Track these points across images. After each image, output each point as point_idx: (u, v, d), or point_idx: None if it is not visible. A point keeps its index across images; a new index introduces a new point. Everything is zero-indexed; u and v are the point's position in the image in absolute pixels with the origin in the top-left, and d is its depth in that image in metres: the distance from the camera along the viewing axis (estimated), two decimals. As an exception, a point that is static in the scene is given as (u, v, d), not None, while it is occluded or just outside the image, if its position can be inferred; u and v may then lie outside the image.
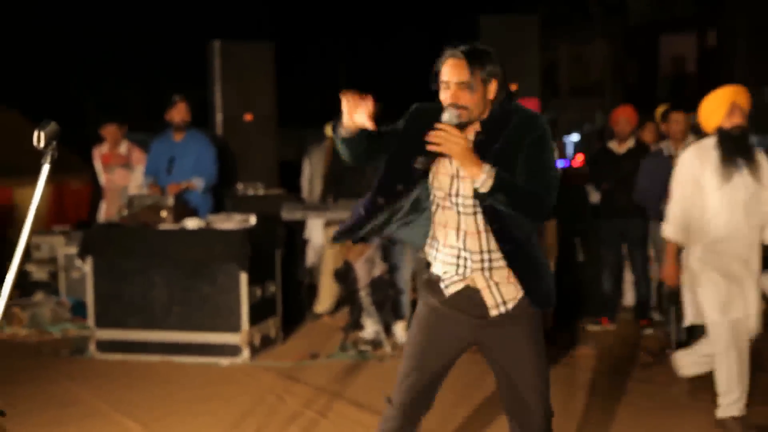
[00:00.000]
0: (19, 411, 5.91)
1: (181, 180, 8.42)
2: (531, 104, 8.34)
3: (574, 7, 37.61)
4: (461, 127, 3.36)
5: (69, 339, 8.18)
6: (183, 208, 7.98)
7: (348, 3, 31.62)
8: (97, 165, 9.21)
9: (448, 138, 3.26)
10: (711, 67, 30.45)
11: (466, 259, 3.42)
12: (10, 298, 2.70)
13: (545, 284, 3.51)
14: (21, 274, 9.63)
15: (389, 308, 7.68)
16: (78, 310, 8.77)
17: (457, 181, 3.42)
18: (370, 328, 7.73)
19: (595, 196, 8.88)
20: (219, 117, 9.68)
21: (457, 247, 3.43)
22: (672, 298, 7.13)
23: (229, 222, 7.66)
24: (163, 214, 7.75)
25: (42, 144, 2.74)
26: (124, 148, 9.00)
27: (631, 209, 8.27)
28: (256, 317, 7.41)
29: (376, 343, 7.61)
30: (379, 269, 7.53)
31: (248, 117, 9.81)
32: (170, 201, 7.86)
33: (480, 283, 3.44)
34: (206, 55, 9.87)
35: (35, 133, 2.72)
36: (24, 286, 9.43)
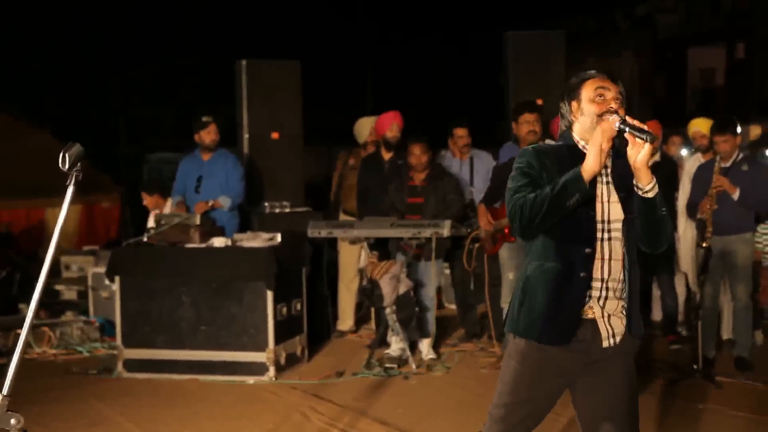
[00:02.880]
0: (47, 430, 5.94)
1: (208, 199, 8.45)
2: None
3: (601, 20, 37.51)
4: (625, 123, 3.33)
5: (97, 358, 8.21)
6: (210, 227, 8.01)
7: (372, 19, 31.70)
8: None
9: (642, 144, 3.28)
10: (739, 80, 30.24)
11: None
12: (38, 316, 2.71)
13: (640, 313, 3.50)
14: (50, 293, 9.72)
15: (415, 325, 7.65)
16: (106, 329, 8.82)
17: (608, 205, 3.40)
18: (396, 345, 7.72)
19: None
20: (246, 135, 9.71)
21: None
22: (699, 314, 7.06)
23: (256, 240, 7.68)
24: (191, 232, 7.78)
25: (67, 166, 2.75)
26: (168, 208, 9.00)
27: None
28: (282, 335, 7.41)
29: (401, 361, 7.59)
30: (404, 286, 7.52)
31: (275, 135, 9.83)
32: (197, 220, 7.89)
33: (597, 313, 3.39)
34: (233, 74, 9.91)
35: (60, 156, 2.72)
36: (53, 306, 9.49)
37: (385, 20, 32.63)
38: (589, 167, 3.26)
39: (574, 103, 3.48)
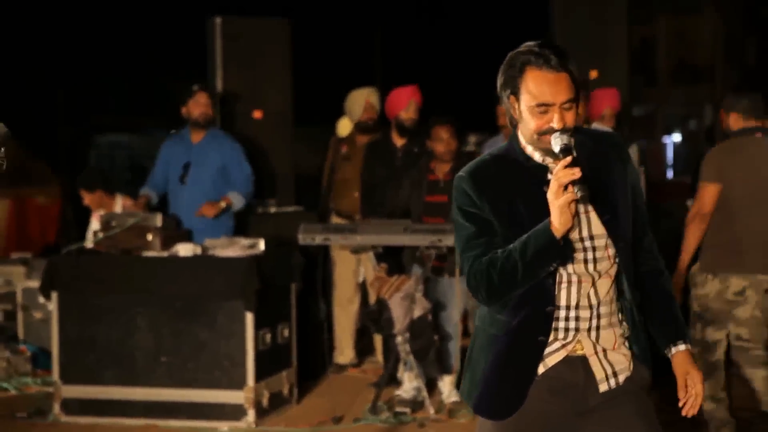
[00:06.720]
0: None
1: (197, 193, 8.42)
2: (608, 96, 8.19)
3: (677, -32, 37.48)
4: (568, 152, 3.25)
5: (28, 397, 8.26)
6: (174, 230, 8.01)
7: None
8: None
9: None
10: None
11: (568, 319, 3.38)
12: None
13: (645, 336, 3.52)
14: (-32, 314, 9.73)
15: (434, 358, 7.66)
16: (40, 360, 8.85)
17: (585, 216, 3.38)
18: (409, 384, 7.72)
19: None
20: (220, 113, 9.73)
21: (563, 306, 3.39)
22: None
23: (232, 248, 7.69)
24: (149, 237, 7.78)
25: (-13, 151, 2.76)
26: (119, 207, 9.02)
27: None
28: (264, 370, 7.44)
29: (416, 404, 7.60)
30: (420, 309, 7.51)
31: (257, 114, 9.86)
32: (158, 221, 7.88)
33: (587, 349, 3.41)
34: (204, 34, 9.94)
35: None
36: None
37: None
38: (559, 226, 3.23)
39: (512, 99, 3.37)
